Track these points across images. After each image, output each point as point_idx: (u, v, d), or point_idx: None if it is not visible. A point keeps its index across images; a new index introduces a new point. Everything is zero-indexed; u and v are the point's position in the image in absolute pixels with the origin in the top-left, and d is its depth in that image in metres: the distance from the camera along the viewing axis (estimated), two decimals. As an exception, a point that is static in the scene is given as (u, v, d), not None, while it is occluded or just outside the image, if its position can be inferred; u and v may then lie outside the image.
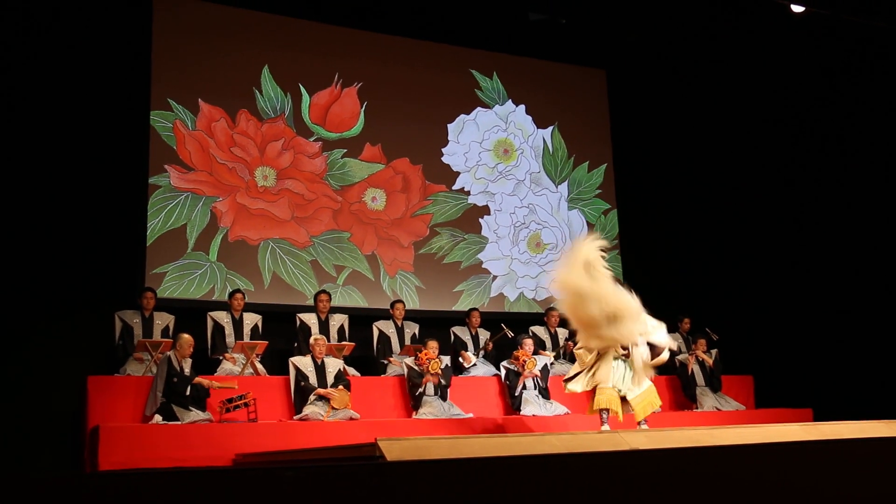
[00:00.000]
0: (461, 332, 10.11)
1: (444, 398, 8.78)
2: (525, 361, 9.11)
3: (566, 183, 11.99)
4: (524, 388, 9.15)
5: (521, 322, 10.56)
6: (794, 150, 11.89)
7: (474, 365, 9.74)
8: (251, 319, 9.17)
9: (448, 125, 11.43)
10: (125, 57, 9.69)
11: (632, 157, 12.44)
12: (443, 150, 11.33)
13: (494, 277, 11.28)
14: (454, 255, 11.11)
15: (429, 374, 8.66)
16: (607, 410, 7.63)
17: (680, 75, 12.68)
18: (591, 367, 7.78)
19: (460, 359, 9.75)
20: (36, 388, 8.49)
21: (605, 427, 7.59)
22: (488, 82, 11.79)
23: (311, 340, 8.64)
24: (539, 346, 10.05)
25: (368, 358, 9.67)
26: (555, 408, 9.11)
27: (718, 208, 12.49)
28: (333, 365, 8.53)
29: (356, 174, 10.72)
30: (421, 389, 8.66)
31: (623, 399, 7.71)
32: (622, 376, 7.74)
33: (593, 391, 7.75)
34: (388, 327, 9.72)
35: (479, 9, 11.54)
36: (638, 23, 11.93)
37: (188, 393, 7.71)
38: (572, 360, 10.33)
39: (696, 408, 10.06)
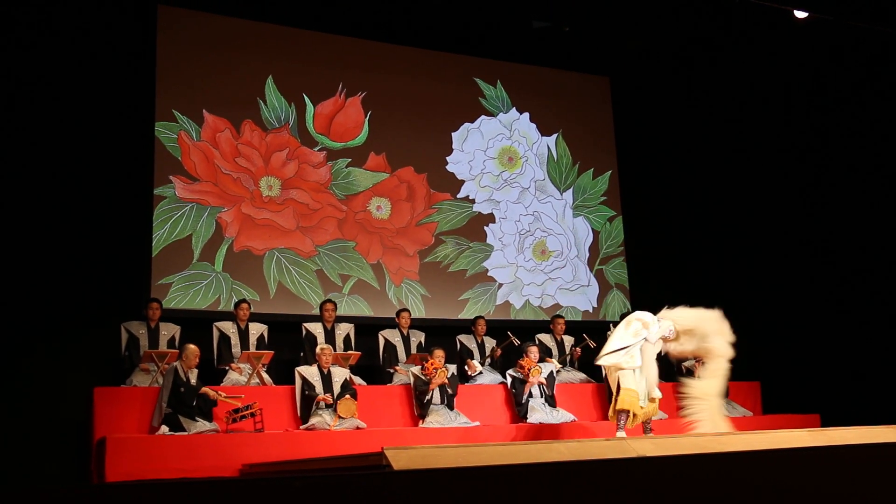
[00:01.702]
0: (467, 340, 10.11)
1: (450, 407, 8.77)
2: (530, 369, 9.10)
3: (571, 190, 11.99)
4: (530, 395, 9.14)
5: (527, 330, 10.55)
6: (800, 155, 11.87)
7: (480, 373, 9.74)
8: (257, 329, 9.18)
9: (452, 133, 11.44)
10: (130, 69, 9.72)
11: (636, 164, 12.43)
12: (447, 158, 11.33)
13: (500, 285, 11.27)
14: (459, 263, 11.11)
15: (435, 380, 8.66)
16: (626, 413, 7.66)
17: (684, 81, 12.68)
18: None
19: (466, 367, 9.75)
20: (42, 399, 8.50)
21: (621, 433, 7.60)
22: (492, 90, 11.81)
23: (318, 350, 8.64)
24: (545, 353, 10.04)
25: (374, 367, 9.66)
26: (561, 415, 9.10)
27: (724, 215, 12.47)
28: (340, 374, 8.54)
29: (361, 183, 10.73)
30: (428, 397, 8.66)
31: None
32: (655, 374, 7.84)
33: (616, 392, 7.76)
34: (393, 336, 9.71)
35: (483, 17, 11.55)
36: (641, 30, 11.94)
37: (195, 403, 7.71)
38: (579, 367, 10.37)
39: (704, 414, 10.02)
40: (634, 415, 7.74)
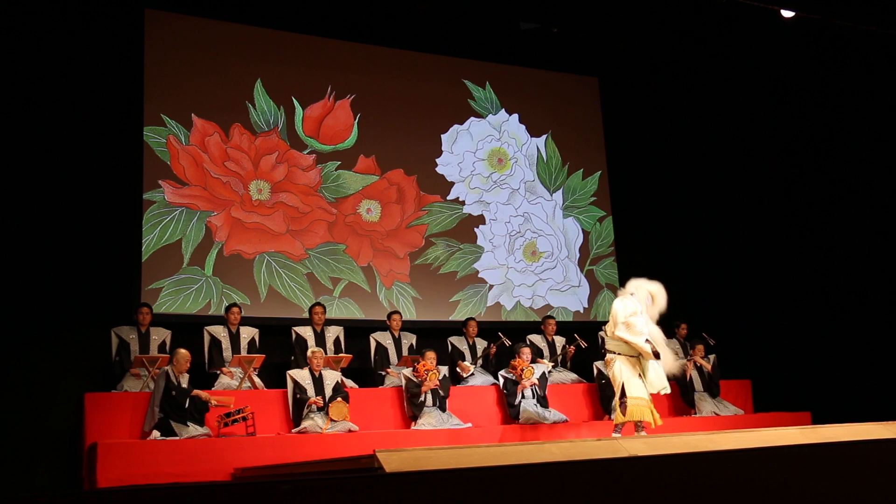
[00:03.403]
0: (458, 342, 10.11)
1: (442, 408, 8.77)
2: (523, 370, 9.10)
3: (561, 191, 12.00)
4: (522, 396, 9.15)
5: (519, 331, 10.55)
6: (788, 154, 11.92)
7: (472, 374, 9.74)
8: (248, 333, 9.16)
9: (442, 135, 11.44)
10: (117, 73, 9.69)
11: (626, 164, 12.45)
12: (437, 160, 11.33)
13: (491, 287, 11.28)
14: (450, 265, 11.11)
15: (427, 384, 8.66)
16: (637, 423, 7.78)
17: (672, 81, 12.71)
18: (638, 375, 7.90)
19: (458, 369, 9.74)
20: (33, 405, 8.46)
21: (616, 434, 7.66)
22: (481, 92, 11.81)
23: (309, 353, 8.63)
24: (537, 354, 10.05)
25: (366, 370, 9.65)
26: (553, 416, 9.10)
27: (713, 214, 12.51)
28: (331, 377, 8.53)
29: (350, 186, 10.73)
30: (420, 399, 8.66)
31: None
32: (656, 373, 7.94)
33: (623, 401, 7.82)
34: (385, 338, 9.70)
35: (471, 19, 11.56)
36: (629, 30, 11.96)
37: (186, 407, 7.69)
38: (571, 367, 10.38)
39: (695, 413, 10.05)
40: (648, 423, 7.80)
